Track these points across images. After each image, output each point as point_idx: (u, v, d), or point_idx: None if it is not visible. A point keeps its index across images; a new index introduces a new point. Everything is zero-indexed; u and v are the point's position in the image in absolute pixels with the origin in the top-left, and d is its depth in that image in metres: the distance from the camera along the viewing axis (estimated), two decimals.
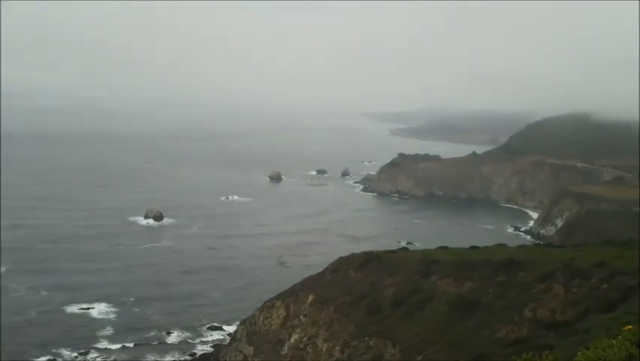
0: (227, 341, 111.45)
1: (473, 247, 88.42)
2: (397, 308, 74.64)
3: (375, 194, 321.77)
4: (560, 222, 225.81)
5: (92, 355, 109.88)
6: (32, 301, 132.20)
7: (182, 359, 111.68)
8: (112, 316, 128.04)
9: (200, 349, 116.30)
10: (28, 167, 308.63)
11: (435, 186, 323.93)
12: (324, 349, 79.03)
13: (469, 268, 73.56)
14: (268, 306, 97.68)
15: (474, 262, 74.55)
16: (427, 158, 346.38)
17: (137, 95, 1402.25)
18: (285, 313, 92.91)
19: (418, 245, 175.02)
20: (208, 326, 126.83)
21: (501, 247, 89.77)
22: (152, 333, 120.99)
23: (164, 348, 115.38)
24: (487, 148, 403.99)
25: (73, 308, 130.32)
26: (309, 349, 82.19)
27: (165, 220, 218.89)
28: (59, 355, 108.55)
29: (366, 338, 72.37)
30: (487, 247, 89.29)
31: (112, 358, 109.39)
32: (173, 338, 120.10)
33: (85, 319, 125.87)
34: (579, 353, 11.08)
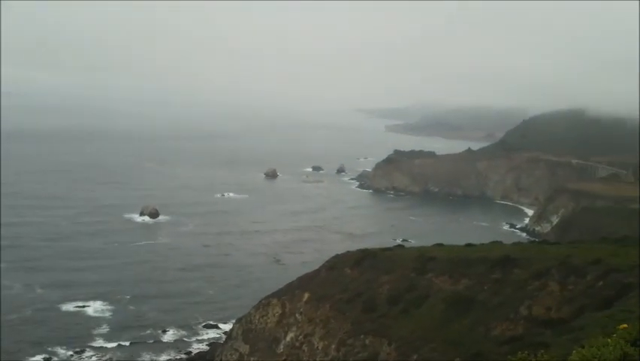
0: (223, 339, 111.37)
1: (469, 245, 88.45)
2: (393, 306, 74.62)
3: (370, 191, 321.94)
4: (555, 220, 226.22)
5: (88, 353, 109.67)
6: (28, 298, 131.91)
7: (178, 357, 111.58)
8: (107, 314, 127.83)
9: (196, 347, 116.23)
10: (27, 165, 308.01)
11: (431, 182, 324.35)
12: (319, 347, 78.99)
13: (464, 265, 73.56)
14: (264, 304, 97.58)
15: (470, 259, 74.56)
16: (422, 154, 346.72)
17: (137, 94, 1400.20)
18: (280, 312, 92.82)
19: (413, 242, 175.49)
20: (204, 324, 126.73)
21: (496, 244, 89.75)
22: (148, 331, 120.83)
23: (160, 347, 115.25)
24: (483, 144, 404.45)
25: (69, 306, 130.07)
26: (304, 347, 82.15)
27: (161, 218, 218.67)
28: (55, 353, 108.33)
29: (362, 336, 72.34)
30: (482, 244, 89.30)
31: (107, 356, 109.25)
32: (169, 336, 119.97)
33: (80, 317, 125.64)
34: (574, 351, 11.01)
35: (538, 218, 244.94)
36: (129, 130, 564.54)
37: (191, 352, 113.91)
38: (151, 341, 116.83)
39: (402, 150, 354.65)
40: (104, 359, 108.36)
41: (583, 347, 10.90)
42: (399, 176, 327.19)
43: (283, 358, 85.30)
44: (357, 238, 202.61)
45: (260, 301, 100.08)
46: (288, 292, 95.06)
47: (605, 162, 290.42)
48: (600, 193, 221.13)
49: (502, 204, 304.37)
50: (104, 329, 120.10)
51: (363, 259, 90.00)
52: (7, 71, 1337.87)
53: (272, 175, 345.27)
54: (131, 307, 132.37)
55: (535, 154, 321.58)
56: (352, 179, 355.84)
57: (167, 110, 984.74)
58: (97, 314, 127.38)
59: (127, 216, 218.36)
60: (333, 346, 76.14)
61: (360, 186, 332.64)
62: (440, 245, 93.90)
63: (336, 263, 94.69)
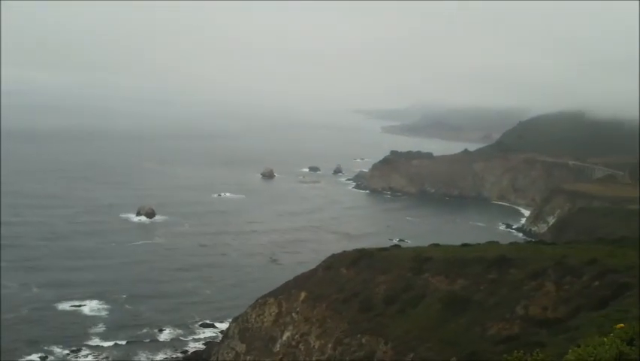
0: (220, 338, 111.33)
1: (465, 245, 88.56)
2: (390, 306, 74.68)
3: (367, 191, 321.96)
4: (551, 220, 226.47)
5: (84, 352, 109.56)
6: (24, 298, 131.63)
7: (174, 356, 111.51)
8: (104, 313, 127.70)
9: (192, 346, 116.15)
10: (25, 164, 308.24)
11: (427, 183, 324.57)
12: (316, 346, 79.03)
13: (461, 265, 73.66)
14: (260, 303, 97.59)
15: (466, 259, 74.66)
16: (419, 155, 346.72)
17: (136, 94, 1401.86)
18: (277, 311, 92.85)
19: (410, 242, 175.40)
20: (200, 323, 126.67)
21: (493, 244, 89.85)
22: (144, 330, 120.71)
23: (156, 346, 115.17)
24: (480, 145, 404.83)
25: (65, 305, 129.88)
26: (301, 346, 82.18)
27: (157, 217, 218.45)
28: (51, 352, 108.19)
29: (359, 336, 72.40)
30: (479, 244, 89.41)
31: (104, 355, 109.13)
32: (165, 335, 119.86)
33: (77, 316, 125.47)
34: (570, 350, 11.04)
35: (535, 218, 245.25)
36: (128, 129, 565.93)
37: (187, 351, 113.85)
38: (147, 340, 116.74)
39: (399, 150, 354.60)
40: (100, 358, 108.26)
41: (579, 347, 10.93)
42: (396, 177, 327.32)
43: (279, 357, 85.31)
44: (353, 238, 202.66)
45: (256, 301, 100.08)
46: (285, 292, 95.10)
47: (601, 163, 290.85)
48: (597, 194, 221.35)
49: (499, 204, 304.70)
50: (101, 328, 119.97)
51: (360, 259, 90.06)
52: (7, 71, 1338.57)
53: (269, 175, 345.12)
54: (128, 307, 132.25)
55: (531, 155, 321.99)
56: (349, 179, 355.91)
57: (167, 110, 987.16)
58: (93, 313, 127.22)
59: (124, 216, 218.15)
60: (329, 345, 76.21)
61: (357, 187, 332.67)
62: (436, 245, 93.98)
63: (332, 263, 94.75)
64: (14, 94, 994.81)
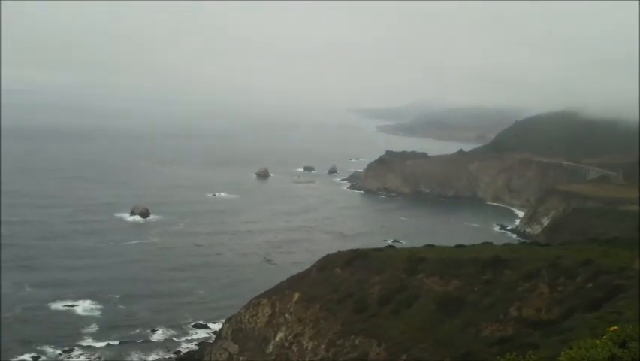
0: (213, 339, 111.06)
1: (460, 246, 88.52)
2: (384, 306, 74.57)
3: (362, 191, 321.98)
4: (545, 221, 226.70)
5: (77, 352, 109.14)
6: (17, 297, 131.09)
7: (167, 357, 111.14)
8: (97, 313, 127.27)
9: (185, 347, 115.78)
10: (24, 163, 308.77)
11: (422, 183, 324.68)
12: (309, 347, 78.85)
13: (455, 266, 73.60)
14: (254, 304, 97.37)
15: (460, 260, 74.62)
16: (414, 155, 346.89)
17: (137, 94, 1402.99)
18: (270, 312, 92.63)
19: (404, 243, 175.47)
20: (193, 323, 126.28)
21: (487, 245, 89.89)
22: (137, 331, 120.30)
23: (149, 346, 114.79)
24: (475, 145, 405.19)
25: (58, 305, 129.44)
26: (294, 347, 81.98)
27: (152, 217, 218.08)
28: (43, 352, 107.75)
29: (352, 337, 72.25)
30: (473, 245, 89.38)
31: (96, 356, 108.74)
32: (158, 335, 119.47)
33: (70, 316, 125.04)
34: (563, 352, 10.89)
35: (529, 219, 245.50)
36: (128, 129, 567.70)
37: (180, 352, 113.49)
38: (140, 341, 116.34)
39: (394, 150, 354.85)
40: (92, 358, 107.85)
41: (572, 349, 10.80)
42: (390, 177, 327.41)
43: (272, 358, 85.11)
44: (348, 238, 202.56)
45: (250, 301, 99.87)
46: (278, 292, 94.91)
47: (595, 163, 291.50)
48: (591, 195, 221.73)
49: (493, 205, 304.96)
50: (93, 328, 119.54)
51: (354, 259, 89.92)
52: (7, 71, 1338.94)
53: (264, 175, 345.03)
54: (121, 307, 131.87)
55: (526, 156, 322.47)
56: (344, 180, 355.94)
57: (166, 109, 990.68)
58: (86, 313, 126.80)
59: (118, 215, 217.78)
60: (322, 346, 76.02)
61: (352, 187, 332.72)
62: (431, 246, 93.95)
63: (326, 263, 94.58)
64: (14, 94, 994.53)
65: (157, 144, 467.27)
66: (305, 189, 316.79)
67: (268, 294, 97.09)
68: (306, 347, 79.41)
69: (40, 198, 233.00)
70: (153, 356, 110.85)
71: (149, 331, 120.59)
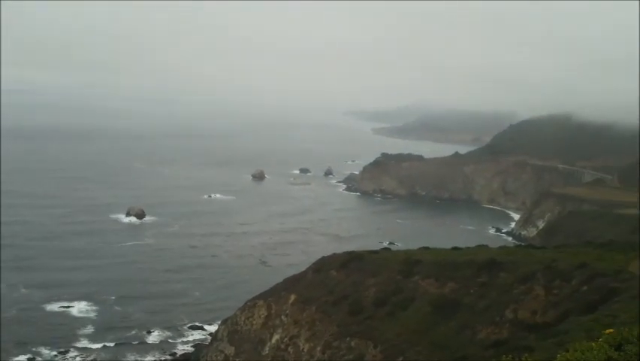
0: (208, 340, 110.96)
1: (455, 248, 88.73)
2: (379, 308, 74.68)
3: (358, 193, 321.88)
4: (541, 224, 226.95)
5: (72, 354, 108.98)
6: (12, 299, 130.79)
7: (163, 358, 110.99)
8: (92, 314, 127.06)
9: (181, 349, 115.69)
10: (23, 164, 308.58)
11: (418, 186, 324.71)
12: (305, 349, 78.90)
13: (451, 268, 73.77)
14: (250, 306, 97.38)
15: (456, 262, 74.80)
16: (410, 157, 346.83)
17: (137, 94, 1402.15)
18: (266, 313, 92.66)
19: (400, 245, 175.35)
20: (189, 325, 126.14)
21: (483, 248, 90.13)
22: (133, 332, 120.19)
23: (145, 348, 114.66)
24: (470, 148, 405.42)
25: (54, 306, 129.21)
26: (290, 349, 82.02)
27: (147, 218, 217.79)
28: (39, 354, 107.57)
29: (348, 339, 72.34)
30: (469, 247, 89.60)
31: (92, 357, 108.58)
32: (154, 337, 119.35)
33: (65, 317, 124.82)
34: (558, 355, 11.01)
35: (525, 222, 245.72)
36: (128, 129, 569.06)
37: (176, 353, 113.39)
38: (136, 342, 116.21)
39: (389, 153, 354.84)
40: (88, 359, 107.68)
41: (567, 351, 10.91)
42: (386, 179, 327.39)
43: (268, 360, 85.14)
44: (343, 240, 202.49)
45: (246, 303, 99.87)
46: (274, 294, 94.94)
47: (590, 167, 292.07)
48: (586, 198, 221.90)
49: (489, 208, 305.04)
50: (89, 329, 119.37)
51: (350, 261, 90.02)
52: (7, 71, 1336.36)
53: (259, 177, 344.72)
54: (116, 308, 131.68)
55: (522, 158, 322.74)
56: (340, 182, 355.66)
57: (166, 109, 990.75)
58: (81, 315, 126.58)
59: (113, 216, 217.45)
60: (318, 348, 76.09)
61: (348, 189, 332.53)
62: (427, 248, 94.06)
63: (322, 265, 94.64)
64: (14, 94, 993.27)
65: (157, 144, 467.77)
66: (300, 190, 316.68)
67: (264, 296, 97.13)
68: (302, 348, 79.46)
69: (38, 199, 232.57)
70: (149, 358, 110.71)
71: (144, 332, 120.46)
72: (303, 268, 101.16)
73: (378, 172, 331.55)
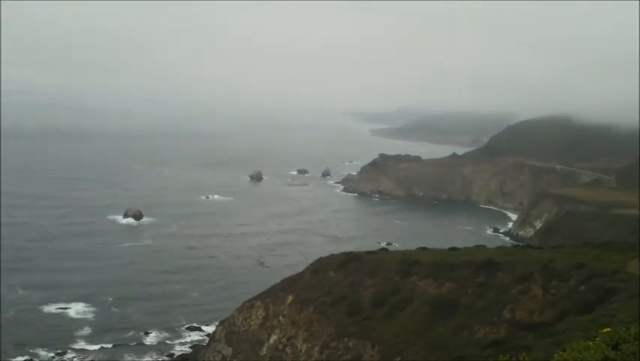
0: (206, 341, 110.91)
1: (453, 248, 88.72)
2: (377, 309, 74.66)
3: (356, 194, 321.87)
4: (538, 224, 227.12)
5: (69, 355, 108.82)
6: (9, 300, 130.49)
7: (160, 359, 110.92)
8: (90, 316, 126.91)
9: (179, 350, 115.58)
10: (22, 164, 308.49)
11: (416, 186, 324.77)
12: (303, 350, 78.85)
13: (448, 268, 73.76)
14: (247, 306, 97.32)
15: (454, 263, 74.80)
16: (408, 158, 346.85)
17: (137, 94, 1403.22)
18: (264, 314, 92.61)
19: (398, 246, 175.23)
20: (187, 326, 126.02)
21: (480, 248, 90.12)
22: (131, 333, 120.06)
23: (143, 349, 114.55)
24: (468, 149, 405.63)
25: (51, 308, 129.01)
26: (287, 350, 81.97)
27: (145, 219, 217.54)
28: (36, 355, 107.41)
29: (346, 339, 72.30)
30: (466, 248, 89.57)
31: (89, 358, 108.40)
32: (152, 338, 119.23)
33: (62, 319, 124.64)
34: (555, 355, 10.96)
35: (522, 223, 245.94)
36: (127, 129, 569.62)
37: (173, 354, 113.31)
38: (133, 344, 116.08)
39: (387, 153, 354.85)
40: None
41: (564, 351, 10.86)
42: (384, 180, 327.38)
43: (266, 360, 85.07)
44: (341, 241, 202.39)
45: (243, 304, 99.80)
46: (272, 295, 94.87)
47: (588, 167, 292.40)
48: (583, 198, 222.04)
49: (487, 208, 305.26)
50: (86, 330, 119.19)
51: (348, 262, 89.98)
52: (7, 71, 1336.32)
53: (257, 178, 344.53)
54: (114, 309, 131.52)
55: (519, 159, 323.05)
56: (337, 182, 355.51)
57: (166, 110, 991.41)
58: (79, 316, 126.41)
59: (111, 217, 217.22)
60: (316, 349, 76.04)
61: (346, 190, 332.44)
62: (424, 249, 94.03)
63: (320, 266, 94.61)
64: (14, 94, 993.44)
65: (156, 144, 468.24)
66: (298, 191, 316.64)
67: (262, 296, 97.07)
68: (300, 349, 79.42)
69: (36, 199, 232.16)
70: (146, 359, 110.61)
71: (142, 333, 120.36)
72: (300, 269, 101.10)
73: (376, 173, 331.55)
